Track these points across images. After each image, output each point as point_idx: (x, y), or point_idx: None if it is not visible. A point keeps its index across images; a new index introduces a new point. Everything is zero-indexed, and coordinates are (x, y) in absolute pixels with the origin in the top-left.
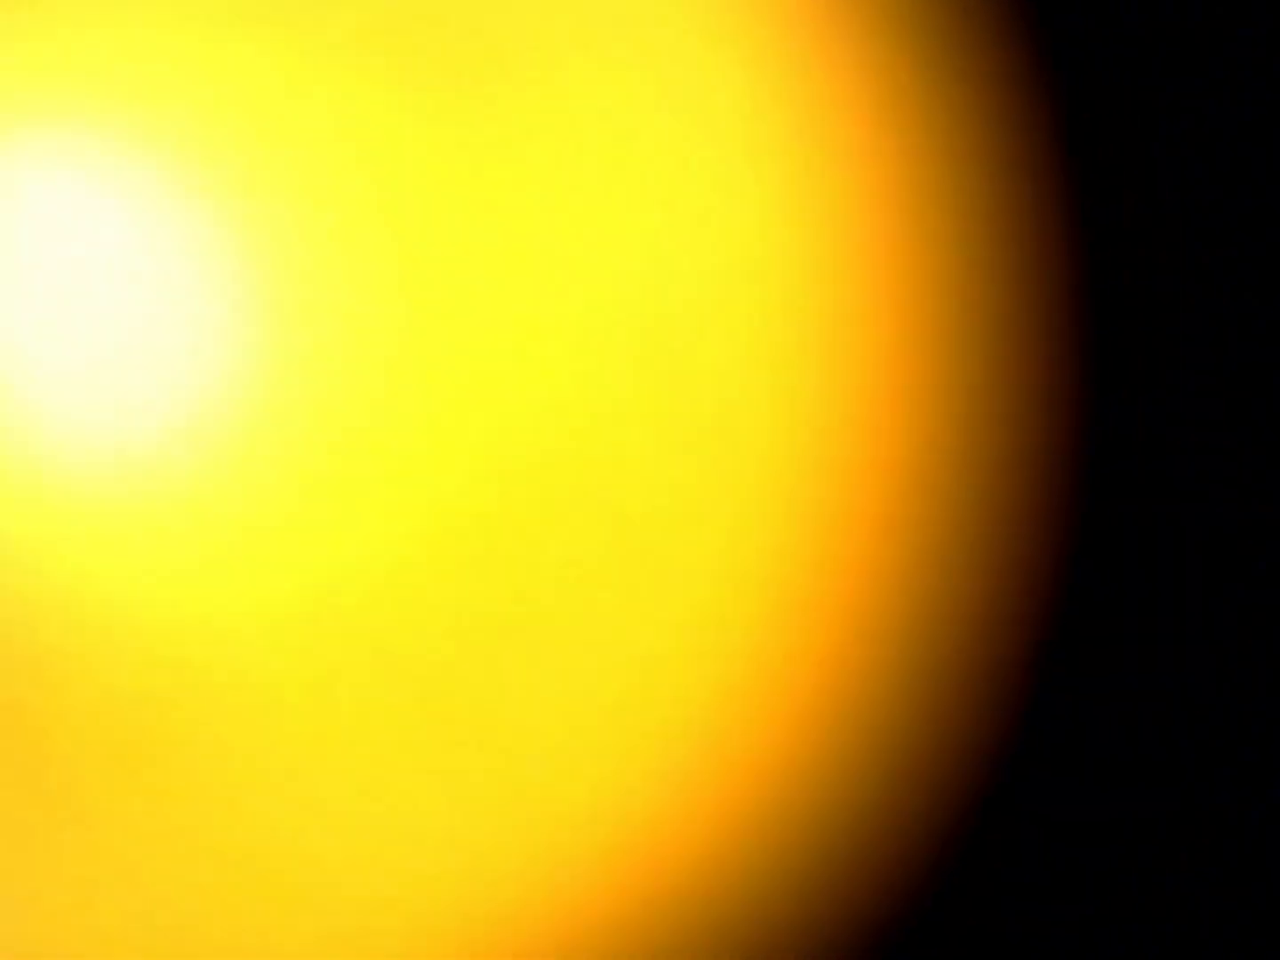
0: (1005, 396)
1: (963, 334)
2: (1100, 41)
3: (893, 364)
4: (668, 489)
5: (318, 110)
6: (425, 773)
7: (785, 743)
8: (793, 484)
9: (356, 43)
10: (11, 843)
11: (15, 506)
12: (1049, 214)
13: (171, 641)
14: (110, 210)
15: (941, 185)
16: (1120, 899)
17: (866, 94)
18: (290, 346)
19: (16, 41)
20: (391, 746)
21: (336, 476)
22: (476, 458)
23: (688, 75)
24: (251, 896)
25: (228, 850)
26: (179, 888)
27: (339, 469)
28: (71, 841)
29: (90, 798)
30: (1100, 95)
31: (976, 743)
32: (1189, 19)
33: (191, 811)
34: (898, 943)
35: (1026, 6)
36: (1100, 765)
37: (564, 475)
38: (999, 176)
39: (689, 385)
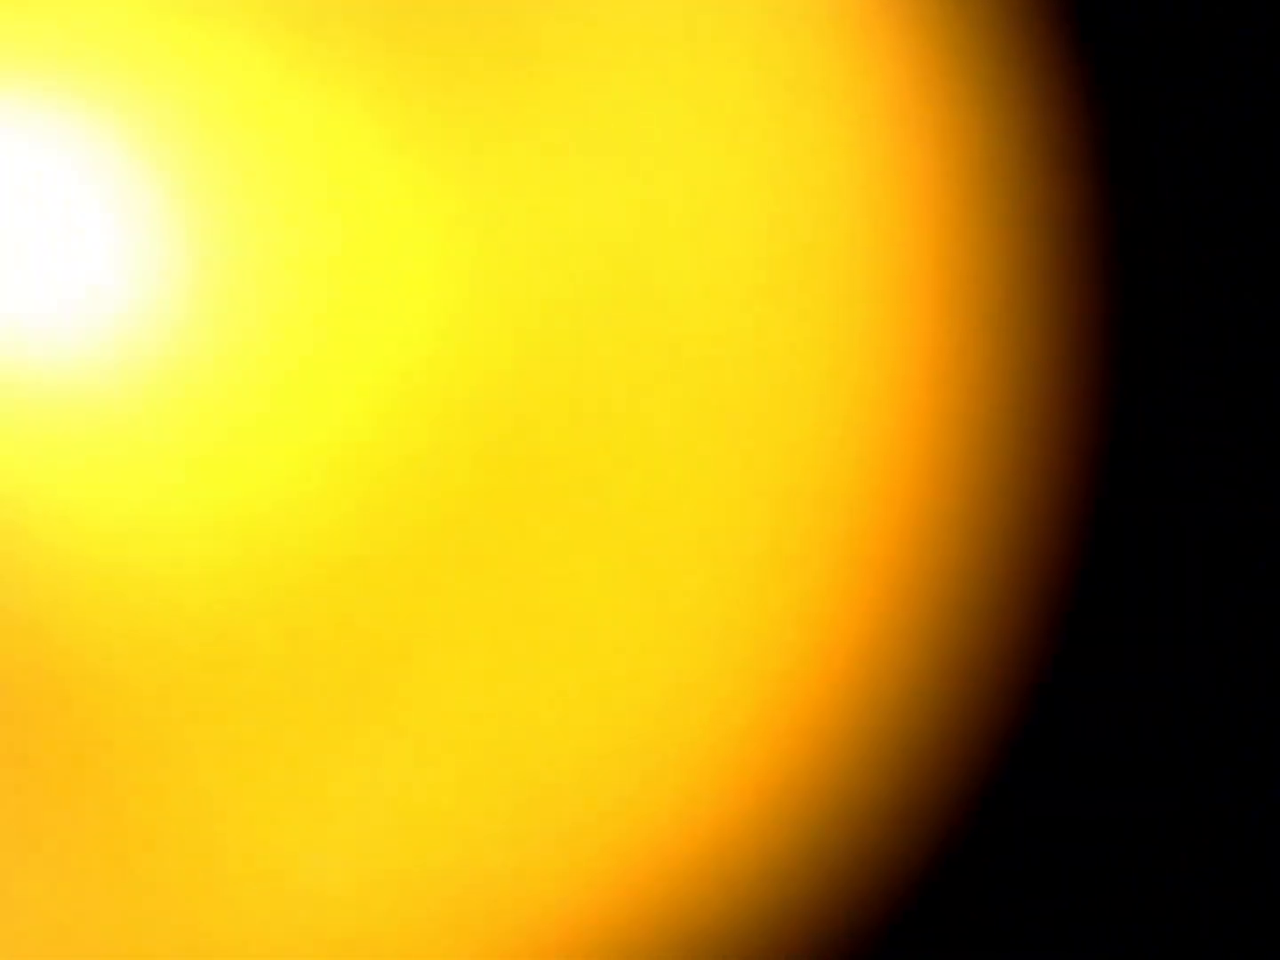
0: (1036, 393)
1: (997, 332)
2: (1144, 41)
3: (928, 359)
4: (684, 479)
5: (321, 101)
6: (421, 768)
7: (794, 744)
8: (816, 477)
9: (358, 30)
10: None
11: None
12: (1090, 215)
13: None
14: (70, 168)
15: (983, 182)
16: (1125, 900)
17: (911, 92)
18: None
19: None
20: (384, 738)
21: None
22: (479, 443)
23: (722, 66)
24: (243, 892)
25: (215, 846)
26: (160, 871)
27: (334, 433)
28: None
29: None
30: (1142, 94)
31: (991, 745)
32: (1232, 21)
33: (158, 781)
34: (905, 945)
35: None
36: (1117, 770)
37: (578, 465)
38: (1044, 178)
39: (726, 374)
